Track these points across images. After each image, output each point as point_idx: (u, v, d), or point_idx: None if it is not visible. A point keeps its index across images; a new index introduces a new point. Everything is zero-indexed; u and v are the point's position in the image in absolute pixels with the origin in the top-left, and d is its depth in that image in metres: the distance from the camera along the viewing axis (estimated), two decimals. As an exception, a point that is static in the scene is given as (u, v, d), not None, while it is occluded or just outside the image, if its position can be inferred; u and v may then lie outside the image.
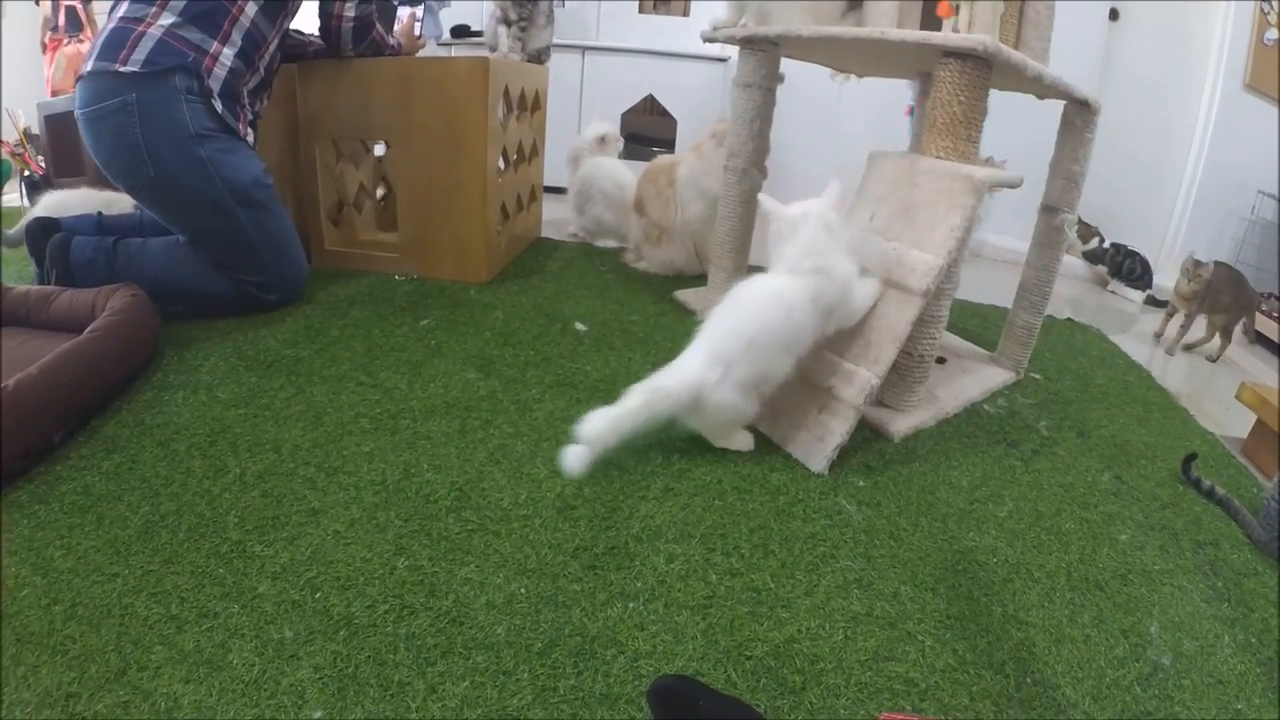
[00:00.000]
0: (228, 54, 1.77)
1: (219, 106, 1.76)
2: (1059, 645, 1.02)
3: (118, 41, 1.67)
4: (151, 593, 0.95)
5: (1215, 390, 1.83)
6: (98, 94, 1.67)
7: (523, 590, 1.00)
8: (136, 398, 1.42)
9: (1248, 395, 1.74)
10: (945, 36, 1.40)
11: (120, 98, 1.65)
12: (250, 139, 1.88)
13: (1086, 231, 3.37)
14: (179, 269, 1.81)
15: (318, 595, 0.97)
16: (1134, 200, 3.45)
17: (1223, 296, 2.42)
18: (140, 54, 1.66)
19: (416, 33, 2.52)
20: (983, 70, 1.41)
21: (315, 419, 1.39)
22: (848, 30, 1.55)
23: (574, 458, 1.26)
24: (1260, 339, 2.80)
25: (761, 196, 1.44)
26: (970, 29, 1.49)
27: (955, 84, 1.42)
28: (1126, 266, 3.26)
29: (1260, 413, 1.71)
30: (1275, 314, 2.76)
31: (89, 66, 1.69)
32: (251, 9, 1.80)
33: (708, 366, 1.32)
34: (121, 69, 1.65)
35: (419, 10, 2.91)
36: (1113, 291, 3.34)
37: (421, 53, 2.50)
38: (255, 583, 0.98)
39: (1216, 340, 2.50)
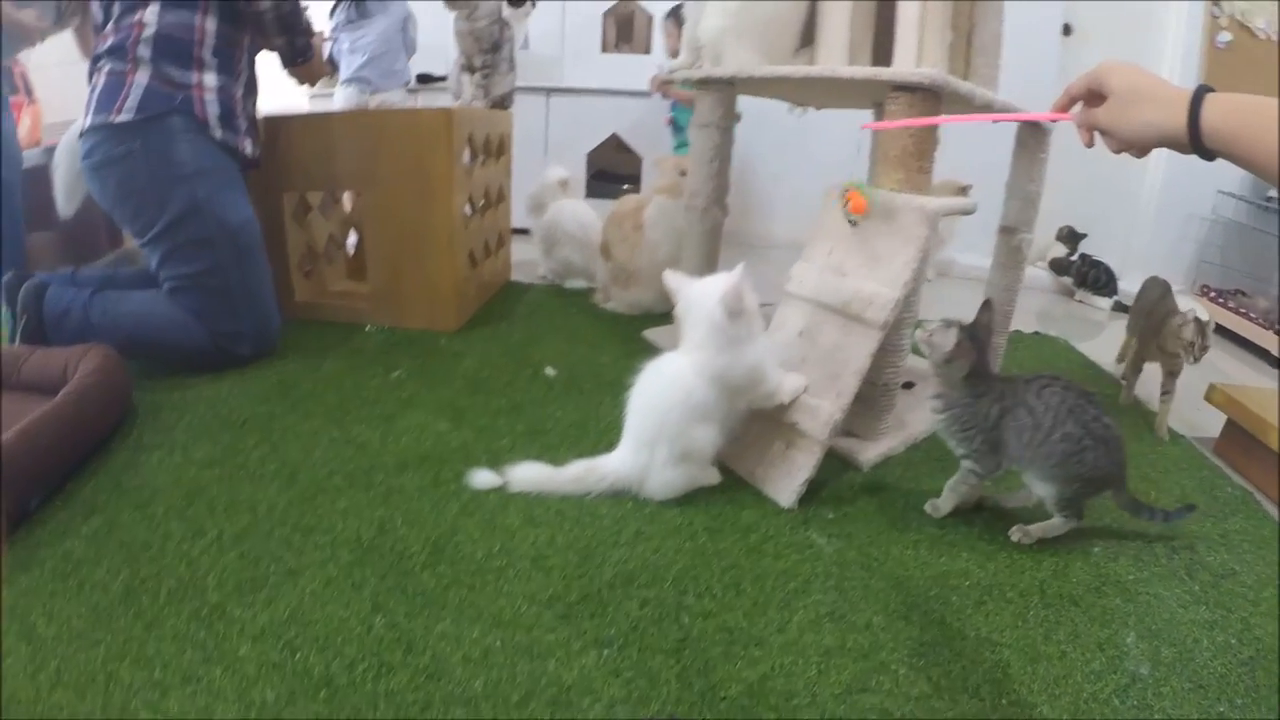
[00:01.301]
0: (210, 78, 1.82)
1: (218, 135, 1.82)
2: (1034, 664, 1.03)
3: (111, 93, 1.73)
4: (135, 658, 0.95)
5: (1184, 393, 1.86)
6: (102, 144, 1.74)
7: (498, 643, 1.01)
8: (112, 459, 1.42)
9: (1217, 397, 1.78)
10: (894, 72, 1.44)
11: (125, 146, 1.72)
12: (249, 149, 1.94)
13: (1073, 238, 3.44)
14: (156, 321, 1.82)
15: (298, 656, 0.97)
16: (1097, 209, 3.52)
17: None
18: (133, 102, 1.72)
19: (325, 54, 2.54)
20: (932, 102, 1.45)
21: (290, 477, 1.39)
22: (799, 69, 1.58)
23: (482, 480, 1.37)
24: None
25: (667, 273, 1.44)
26: (920, 62, 1.53)
27: (906, 116, 1.45)
28: (1091, 276, 3.32)
29: (1230, 412, 1.75)
30: (1251, 312, 2.81)
31: (88, 121, 1.75)
32: (211, 25, 1.82)
33: (635, 454, 1.36)
34: (116, 119, 1.71)
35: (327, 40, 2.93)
36: (1080, 301, 3.40)
37: (388, 104, 2.51)
38: (236, 645, 0.98)
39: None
